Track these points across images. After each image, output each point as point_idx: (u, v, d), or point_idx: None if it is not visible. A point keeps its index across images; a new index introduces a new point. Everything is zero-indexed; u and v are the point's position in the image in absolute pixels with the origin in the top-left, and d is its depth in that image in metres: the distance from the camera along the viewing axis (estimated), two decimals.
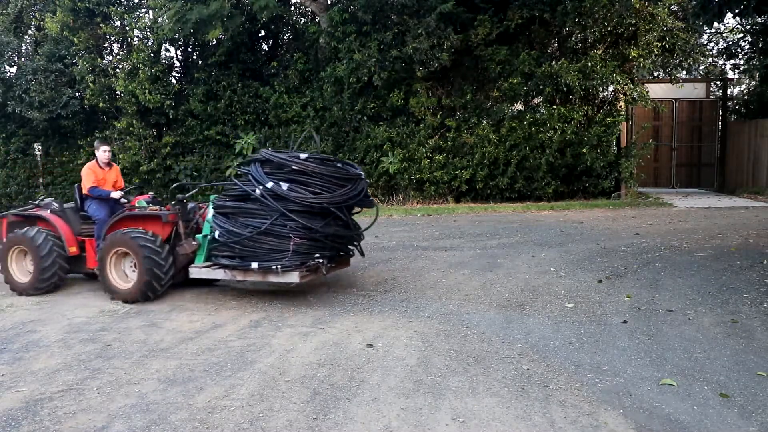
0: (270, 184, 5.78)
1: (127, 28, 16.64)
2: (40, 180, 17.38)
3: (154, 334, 5.36)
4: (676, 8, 14.61)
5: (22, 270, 7.16)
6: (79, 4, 16.00)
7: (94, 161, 7.39)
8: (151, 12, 16.76)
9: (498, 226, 10.40)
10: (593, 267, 7.33)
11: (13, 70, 17.38)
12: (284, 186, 5.77)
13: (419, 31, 13.17)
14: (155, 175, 16.20)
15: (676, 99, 16.37)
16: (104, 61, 16.72)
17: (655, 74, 17.01)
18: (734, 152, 15.90)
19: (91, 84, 15.79)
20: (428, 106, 14.37)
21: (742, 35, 19.01)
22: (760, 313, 5.40)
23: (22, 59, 17.55)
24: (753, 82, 18.53)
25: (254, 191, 5.85)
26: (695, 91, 16.81)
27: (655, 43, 13.58)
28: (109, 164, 7.48)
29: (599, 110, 13.98)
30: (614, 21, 13.34)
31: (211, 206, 6.54)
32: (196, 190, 7.77)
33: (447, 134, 14.26)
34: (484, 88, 14.51)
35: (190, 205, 7.02)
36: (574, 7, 13.08)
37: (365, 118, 14.63)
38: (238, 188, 6.10)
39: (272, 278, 5.92)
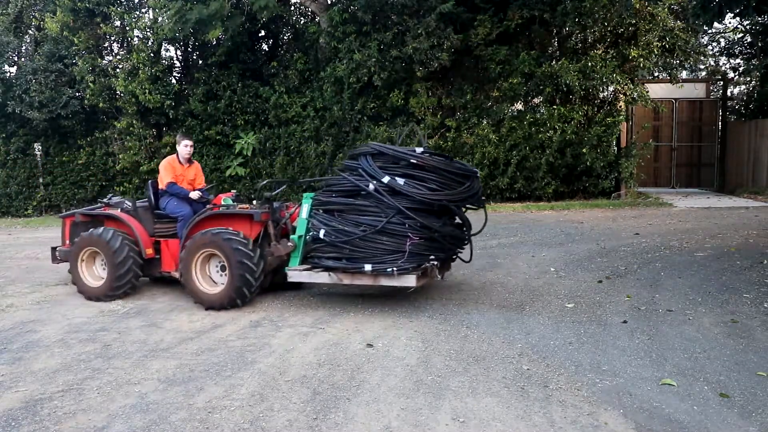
0: (386, 179, 5.34)
1: (127, 28, 16.64)
2: (40, 180, 17.38)
3: (154, 334, 5.36)
4: (676, 8, 14.61)
5: (92, 274, 6.71)
6: (79, 4, 16.00)
7: (173, 156, 6.97)
8: (151, 12, 16.76)
9: (498, 226, 10.40)
10: (593, 267, 7.33)
11: (13, 70, 17.39)
12: (400, 181, 5.35)
13: (419, 31, 13.17)
14: (155, 175, 16.17)
15: (676, 99, 16.37)
16: (104, 61, 16.73)
17: (655, 74, 17.01)
18: (734, 152, 15.90)
19: (91, 84, 15.79)
20: (428, 106, 14.37)
21: (742, 35, 19.02)
22: (760, 313, 5.40)
23: (22, 59, 17.56)
24: (753, 82, 18.53)
25: (367, 186, 5.42)
26: (695, 91, 16.81)
27: (655, 43, 13.58)
28: (189, 160, 7.06)
29: (599, 110, 13.98)
30: (614, 21, 13.35)
31: (307, 203, 6.08)
32: (284, 187, 7.35)
33: (447, 134, 14.26)
34: (484, 88, 14.51)
35: (276, 204, 6.51)
36: (574, 7, 13.08)
37: (365, 118, 14.63)
38: (347, 183, 5.62)
39: (384, 281, 5.43)
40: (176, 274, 6.46)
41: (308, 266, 5.91)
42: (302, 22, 17.35)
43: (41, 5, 17.66)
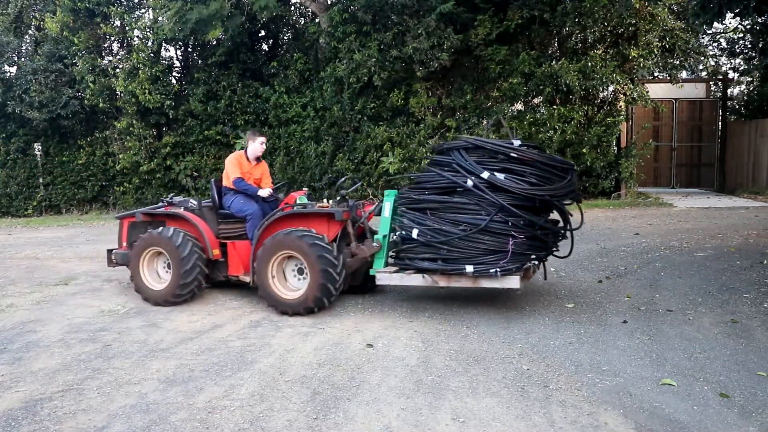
0: (486, 174, 5.04)
1: (127, 28, 16.65)
2: (40, 180, 17.38)
3: (154, 334, 5.36)
4: (676, 8, 14.61)
5: (153, 276, 6.40)
6: (79, 4, 16.00)
7: (241, 152, 6.62)
8: (151, 12, 16.76)
9: None
10: (593, 267, 7.33)
11: (13, 70, 17.40)
12: (501, 176, 5.04)
13: (419, 31, 13.17)
14: (155, 175, 16.21)
15: (676, 99, 16.37)
16: (104, 61, 16.73)
17: (655, 74, 17.01)
18: (734, 152, 15.90)
19: (91, 84, 15.79)
20: (428, 106, 14.37)
21: (742, 35, 19.02)
22: (760, 313, 5.40)
23: (22, 59, 17.56)
24: (753, 82, 18.53)
25: (465, 183, 5.11)
26: (695, 91, 16.81)
27: (655, 43, 13.58)
28: (258, 159, 6.70)
29: (599, 110, 13.98)
30: (614, 21, 13.34)
31: (389, 201, 5.75)
32: (359, 184, 6.70)
33: (447, 134, 14.26)
34: (484, 88, 14.50)
35: (352, 202, 6.15)
36: (574, 7, 13.07)
37: (365, 118, 14.62)
38: (442, 180, 5.29)
39: (485, 283, 5.15)
40: (245, 278, 6.17)
41: (396, 268, 5.59)
42: (302, 22, 17.36)
43: (41, 5, 17.66)
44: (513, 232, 5.02)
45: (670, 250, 8.03)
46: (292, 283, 5.91)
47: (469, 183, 5.10)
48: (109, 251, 7.00)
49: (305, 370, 4.36)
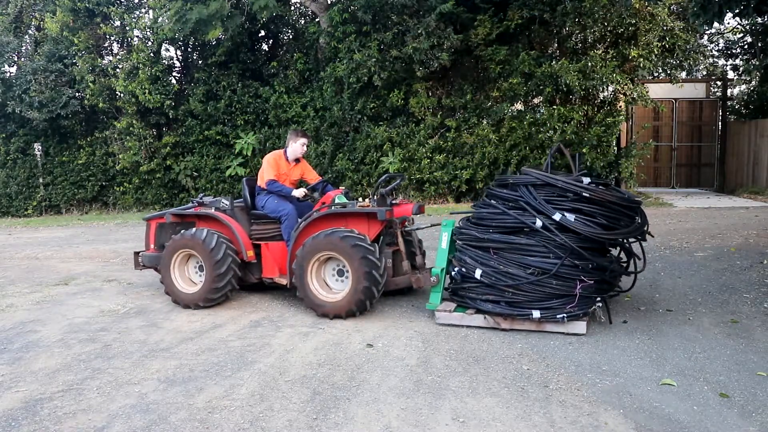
0: (557, 216, 4.81)
1: (127, 28, 16.66)
2: (40, 180, 17.38)
3: (154, 334, 5.36)
4: (676, 8, 14.61)
5: (184, 278, 6.22)
6: (79, 4, 16.01)
7: (280, 152, 6.43)
8: (151, 12, 16.77)
9: None
10: None
11: (13, 70, 17.40)
12: (571, 217, 4.81)
13: (419, 31, 13.18)
14: (155, 175, 16.21)
15: (676, 99, 16.37)
16: (104, 61, 16.74)
17: (655, 74, 17.02)
18: (734, 152, 15.90)
19: (91, 84, 15.80)
20: (428, 106, 14.38)
21: (742, 35, 19.02)
22: (760, 313, 5.40)
23: (22, 59, 17.57)
24: (753, 82, 18.54)
25: (534, 223, 4.89)
26: (695, 91, 16.82)
27: (655, 43, 13.58)
28: (297, 159, 6.49)
29: (599, 110, 13.98)
30: (614, 21, 13.35)
31: (447, 232, 5.57)
32: (399, 182, 6.37)
33: (447, 134, 14.27)
34: (484, 88, 14.52)
35: (389, 200, 5.88)
36: (574, 7, 13.08)
37: (365, 118, 14.63)
38: (509, 219, 5.05)
39: (550, 328, 4.95)
40: (282, 280, 6.02)
41: (454, 305, 5.41)
42: (302, 22, 17.36)
43: (41, 5, 17.66)
44: (582, 277, 4.83)
45: (670, 250, 8.03)
46: (331, 285, 5.74)
47: (538, 224, 4.87)
48: (136, 254, 6.77)
49: (305, 370, 4.36)
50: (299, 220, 5.96)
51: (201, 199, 6.54)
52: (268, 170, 6.23)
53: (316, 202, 6.26)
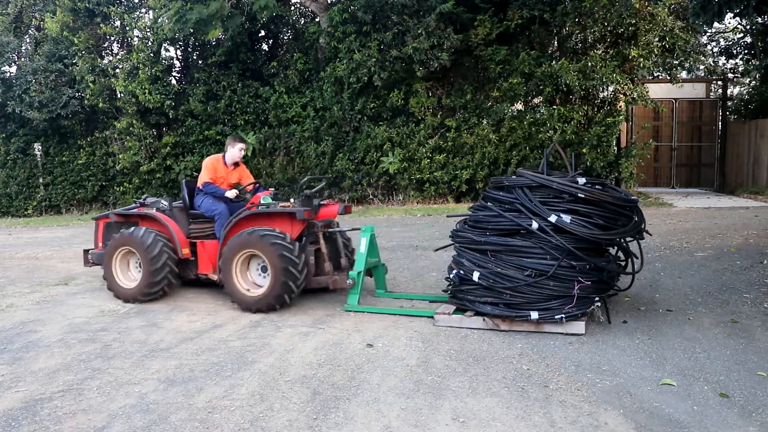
0: (553, 218, 4.84)
1: (127, 28, 16.66)
2: (40, 180, 17.38)
3: (154, 334, 5.36)
4: (676, 8, 14.61)
5: (126, 275, 6.57)
6: (79, 4, 16.01)
7: (219, 156, 6.78)
8: (151, 12, 16.77)
9: None
10: None
11: (13, 70, 17.40)
12: (567, 219, 4.85)
13: (419, 31, 13.18)
14: (155, 175, 16.22)
15: (676, 99, 16.38)
16: (104, 61, 16.74)
17: (655, 74, 17.02)
18: (734, 152, 15.91)
19: (91, 84, 15.80)
20: (428, 106, 14.38)
21: (742, 35, 19.02)
22: (760, 313, 5.40)
23: (22, 59, 17.57)
24: (753, 82, 18.54)
25: (530, 225, 4.91)
26: (695, 91, 16.83)
27: (655, 43, 13.58)
28: (236, 164, 6.85)
29: (599, 110, 13.98)
30: (614, 21, 13.35)
31: (368, 236, 5.90)
32: (324, 184, 6.95)
33: (447, 134, 14.26)
34: (484, 88, 14.51)
35: (316, 201, 6.24)
36: (574, 7, 13.09)
37: (365, 118, 14.63)
38: (504, 221, 5.09)
39: (549, 329, 4.99)
40: (214, 276, 6.31)
41: (453, 308, 5.45)
42: (302, 22, 17.36)
43: (41, 5, 17.67)
44: (579, 278, 4.86)
45: (670, 250, 8.03)
46: (256, 281, 6.03)
47: (534, 225, 4.90)
48: (86, 251, 7.17)
49: (305, 370, 4.36)
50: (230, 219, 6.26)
51: (144, 199, 6.93)
52: (204, 173, 6.60)
53: (246, 203, 6.56)
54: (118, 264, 6.54)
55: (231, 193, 6.54)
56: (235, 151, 6.74)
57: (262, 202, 6.25)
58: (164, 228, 6.46)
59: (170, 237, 6.40)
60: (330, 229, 6.30)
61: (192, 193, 6.75)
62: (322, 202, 6.27)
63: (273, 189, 6.68)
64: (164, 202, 6.71)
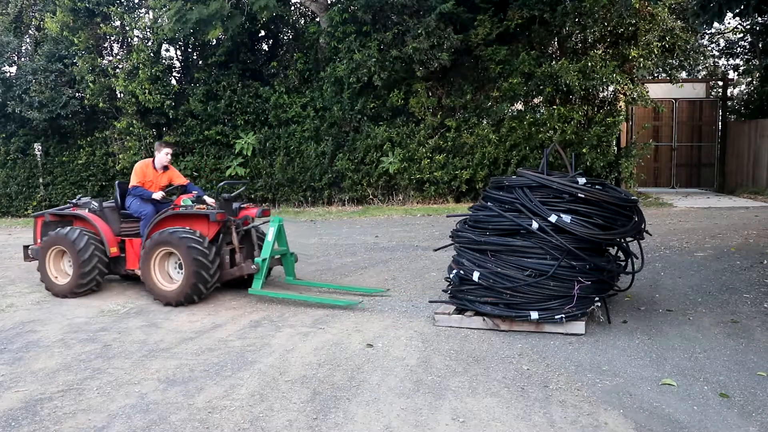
0: (553, 218, 4.83)
1: (127, 28, 16.64)
2: (40, 180, 17.37)
3: (154, 334, 5.36)
4: (676, 8, 14.61)
5: (60, 271, 6.94)
6: (79, 4, 16.00)
7: (149, 161, 7.16)
8: (151, 12, 16.76)
9: None
10: None
11: (13, 70, 17.39)
12: (567, 218, 4.83)
13: (419, 31, 13.18)
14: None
15: (676, 99, 16.37)
16: (104, 61, 16.72)
17: (655, 74, 17.01)
18: (734, 152, 15.91)
19: (91, 84, 15.79)
20: (428, 106, 14.38)
21: (742, 35, 19.02)
22: (760, 313, 5.40)
23: (22, 59, 17.55)
24: (753, 82, 18.54)
25: (530, 225, 4.90)
26: (695, 91, 16.82)
27: (655, 43, 13.58)
28: (165, 167, 7.24)
29: (599, 110, 13.99)
30: (614, 21, 13.35)
31: (276, 226, 6.24)
32: (244, 188, 7.74)
33: (447, 134, 14.27)
34: (484, 88, 14.52)
35: (236, 204, 6.67)
36: (574, 7, 13.09)
37: (365, 118, 14.63)
38: (505, 221, 5.08)
39: (550, 329, 4.96)
40: (140, 272, 6.60)
41: (454, 307, 5.43)
42: (302, 22, 17.36)
43: (41, 5, 17.65)
44: (579, 278, 4.84)
45: (670, 250, 8.03)
46: (174, 277, 6.41)
47: (535, 225, 4.88)
48: (25, 247, 7.43)
49: (305, 370, 4.36)
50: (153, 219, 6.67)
51: (77, 200, 7.32)
52: (133, 178, 6.99)
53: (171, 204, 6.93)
54: (52, 261, 6.91)
55: (158, 195, 6.91)
56: (162, 155, 7.13)
57: (182, 204, 6.66)
58: (95, 228, 6.86)
59: (99, 236, 6.80)
60: (245, 227, 6.71)
61: (124, 195, 7.15)
62: (241, 206, 6.73)
63: (196, 192, 7.03)
64: (95, 203, 7.11)
